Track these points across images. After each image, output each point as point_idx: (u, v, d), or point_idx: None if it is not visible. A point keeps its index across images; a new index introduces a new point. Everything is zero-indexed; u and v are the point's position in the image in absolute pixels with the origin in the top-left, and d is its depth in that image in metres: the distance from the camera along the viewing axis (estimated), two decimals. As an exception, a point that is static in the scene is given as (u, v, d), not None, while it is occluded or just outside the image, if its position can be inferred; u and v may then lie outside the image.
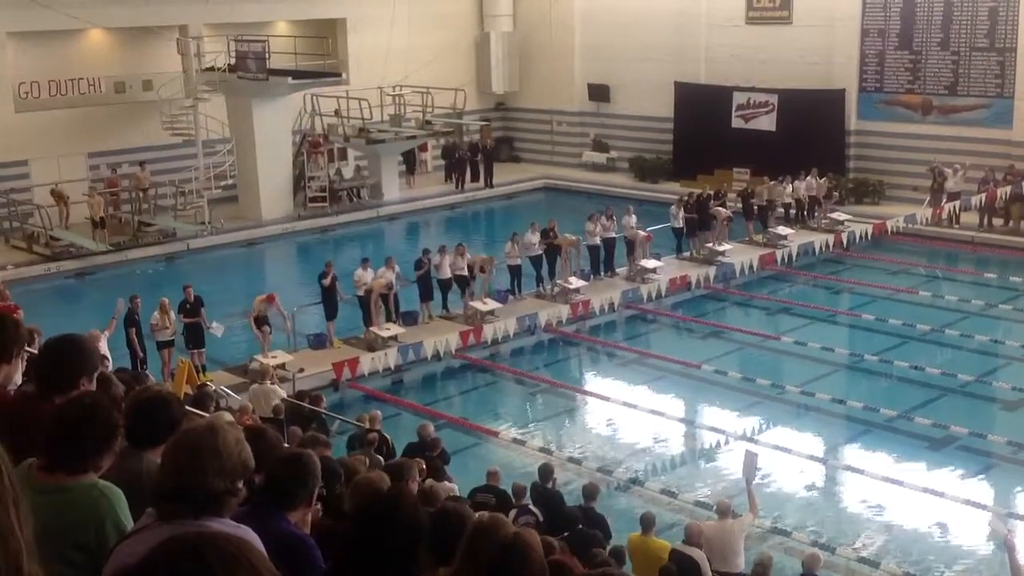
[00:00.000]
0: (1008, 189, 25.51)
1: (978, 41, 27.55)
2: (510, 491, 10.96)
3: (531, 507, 10.51)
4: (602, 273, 23.06)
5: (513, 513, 9.93)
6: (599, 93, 34.78)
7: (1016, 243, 25.13)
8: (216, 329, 17.93)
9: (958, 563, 12.28)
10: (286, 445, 6.29)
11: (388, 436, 12.33)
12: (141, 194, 27.81)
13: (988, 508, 13.50)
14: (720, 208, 24.60)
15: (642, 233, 23.11)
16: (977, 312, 21.04)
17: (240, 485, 3.14)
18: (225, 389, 15.66)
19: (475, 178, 33.29)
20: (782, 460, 14.94)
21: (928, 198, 26.81)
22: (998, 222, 25.99)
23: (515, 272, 21.78)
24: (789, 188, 26.58)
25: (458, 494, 9.84)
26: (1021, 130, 26.68)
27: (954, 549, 12.73)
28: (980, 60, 27.60)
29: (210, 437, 3.06)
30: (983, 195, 25.77)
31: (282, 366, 17.13)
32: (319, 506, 4.61)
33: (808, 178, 26.96)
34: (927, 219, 25.54)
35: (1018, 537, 11.35)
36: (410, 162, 34.07)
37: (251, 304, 18.54)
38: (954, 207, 25.83)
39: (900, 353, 18.76)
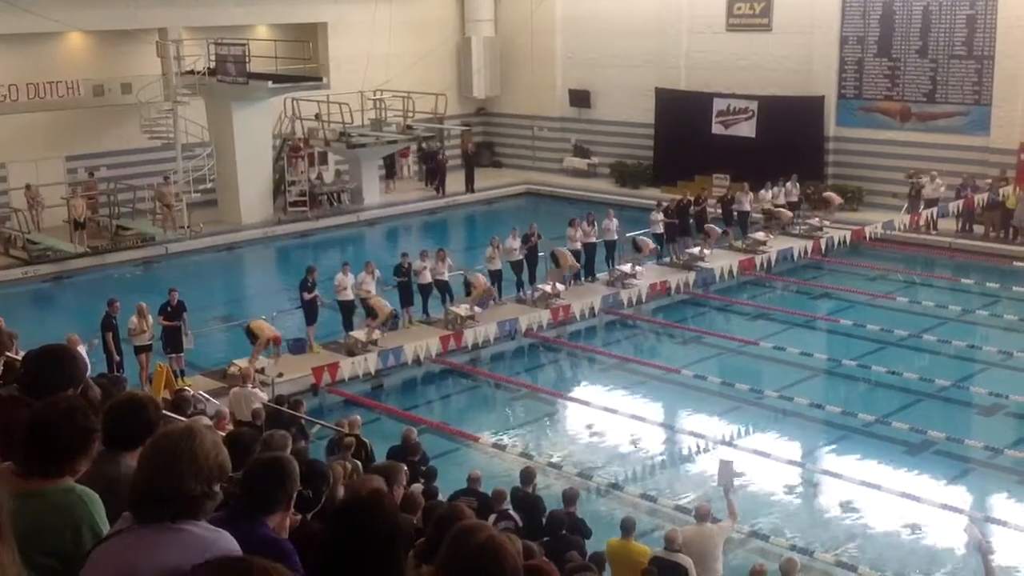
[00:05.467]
0: (986, 196, 25.71)
1: (956, 49, 27.77)
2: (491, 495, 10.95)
3: (511, 512, 10.51)
4: (582, 278, 23.10)
5: (493, 518, 9.92)
6: (580, 99, 34.86)
7: (993, 249, 25.32)
8: (188, 340, 17.87)
9: (935, 567, 12.35)
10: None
11: (367, 441, 12.31)
12: (165, 209, 27.53)
13: (964, 513, 13.59)
14: (713, 227, 24.72)
15: (650, 243, 23.24)
16: (954, 318, 21.19)
17: (217, 488, 3.13)
18: (203, 394, 15.59)
19: (432, 183, 33.21)
20: (760, 465, 15.00)
21: (906, 205, 27.02)
22: (978, 229, 26.17)
23: (495, 277, 21.78)
24: (768, 195, 26.71)
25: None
26: (999, 137, 26.90)
27: (931, 553, 12.80)
28: (958, 68, 27.82)
29: (187, 440, 3.06)
30: (960, 202, 25.96)
31: (261, 371, 17.06)
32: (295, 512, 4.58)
33: (787, 184, 27.10)
34: (905, 225, 25.72)
35: (993, 542, 11.45)
36: (391, 167, 34.04)
37: (231, 310, 18.47)
38: (931, 214, 26.01)
39: (878, 358, 18.88)
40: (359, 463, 9.31)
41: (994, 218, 25.89)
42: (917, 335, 20.04)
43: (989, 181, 26.27)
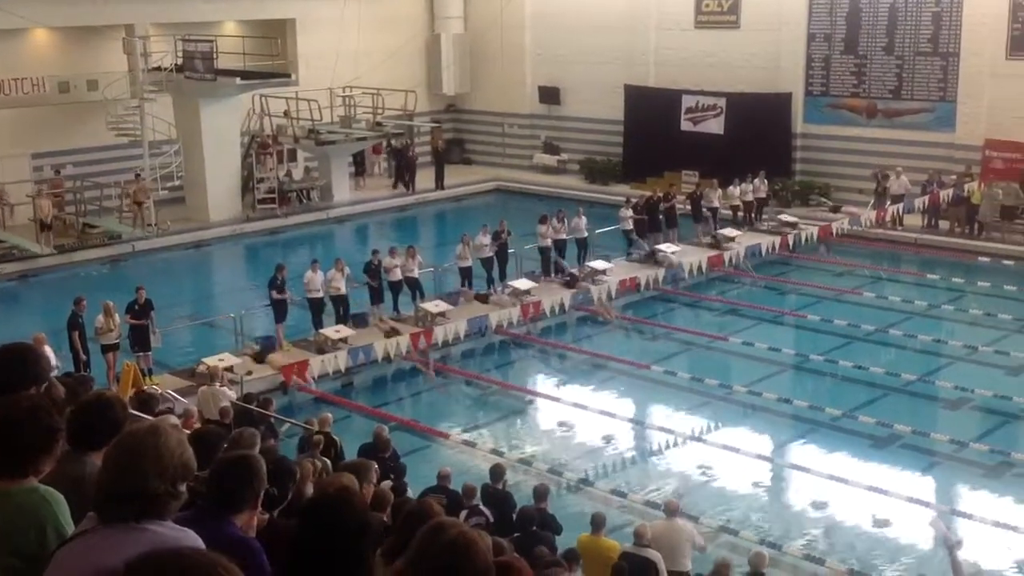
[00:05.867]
0: (951, 192, 25.97)
1: (922, 46, 28.03)
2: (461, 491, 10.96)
3: (481, 507, 10.52)
4: (553, 275, 23.13)
5: (463, 514, 9.93)
6: (550, 96, 34.90)
7: (958, 245, 25.58)
8: (156, 339, 17.76)
9: (902, 560, 12.47)
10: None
11: (337, 438, 12.28)
12: (136, 207, 27.28)
13: (931, 506, 13.75)
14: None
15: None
16: (920, 313, 21.41)
17: (182, 488, 3.11)
18: (171, 393, 15.49)
19: (401, 181, 33.13)
20: (730, 459, 15.10)
21: (872, 201, 27.26)
22: (943, 225, 26.43)
23: (466, 274, 21.79)
24: (737, 191, 26.86)
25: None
26: (964, 133, 27.17)
27: (898, 546, 12.91)
28: (924, 64, 28.09)
29: (151, 438, 3.04)
30: (926, 198, 26.22)
31: (230, 369, 16.97)
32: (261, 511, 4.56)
33: (755, 180, 27.26)
34: (871, 221, 25.94)
35: (959, 536, 11.58)
36: (360, 164, 33.95)
37: (199, 308, 18.37)
38: (897, 209, 26.25)
39: (845, 353, 19.04)
40: (328, 461, 9.28)
41: (959, 214, 26.15)
42: (883, 330, 20.23)
43: (954, 177, 26.54)
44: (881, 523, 13.29)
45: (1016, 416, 16.55)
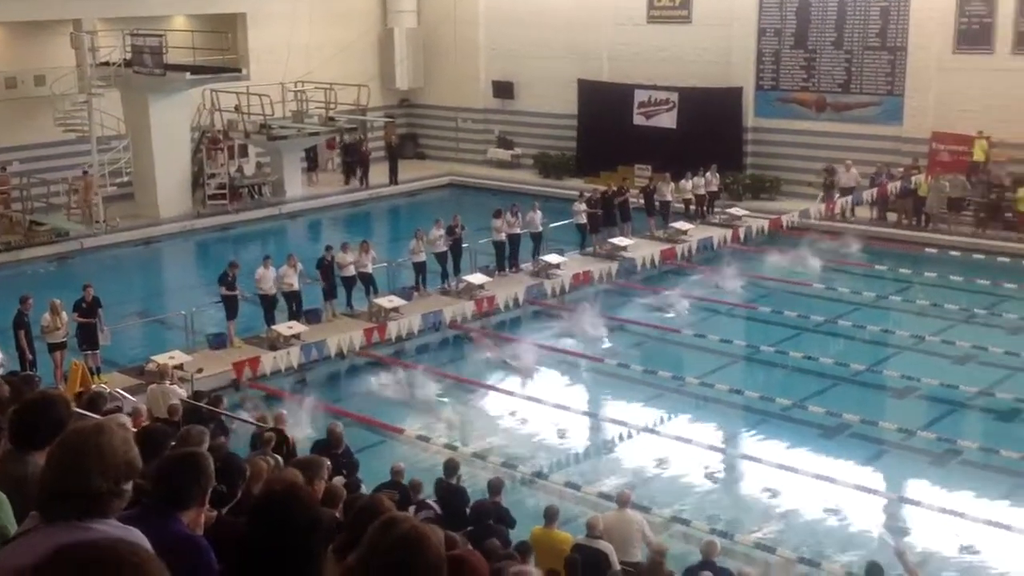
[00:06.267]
0: (899, 184, 26.35)
1: (870, 40, 28.40)
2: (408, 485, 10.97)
3: (429, 501, 10.53)
4: (507, 269, 23.19)
5: (411, 509, 9.94)
6: (503, 90, 34.91)
7: (906, 236, 25.97)
8: (104, 337, 17.57)
9: (851, 548, 12.63)
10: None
11: (289, 435, 12.23)
12: (85, 204, 26.88)
13: (879, 494, 13.99)
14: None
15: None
16: (869, 304, 21.71)
17: (126, 487, 3.10)
18: (120, 391, 15.33)
19: (353, 176, 33.02)
20: (682, 451, 15.25)
21: (821, 194, 27.58)
22: (892, 217, 26.81)
23: (420, 269, 21.77)
24: (689, 184, 27.07)
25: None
26: (911, 127, 27.56)
27: (847, 534, 13.11)
28: (872, 59, 28.45)
29: (95, 437, 3.02)
30: (875, 190, 26.58)
31: (180, 367, 16.83)
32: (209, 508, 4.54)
33: (707, 174, 27.49)
34: (821, 214, 26.26)
35: (908, 544, 11.79)
36: (313, 159, 33.76)
37: (148, 306, 18.18)
38: (846, 202, 26.59)
39: (795, 344, 19.30)
40: (280, 458, 9.25)
41: (906, 206, 26.55)
42: (833, 321, 20.52)
43: (902, 170, 26.93)
44: (831, 511, 13.49)
45: (962, 404, 16.86)
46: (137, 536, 3.08)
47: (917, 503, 13.82)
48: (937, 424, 16.10)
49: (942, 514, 13.28)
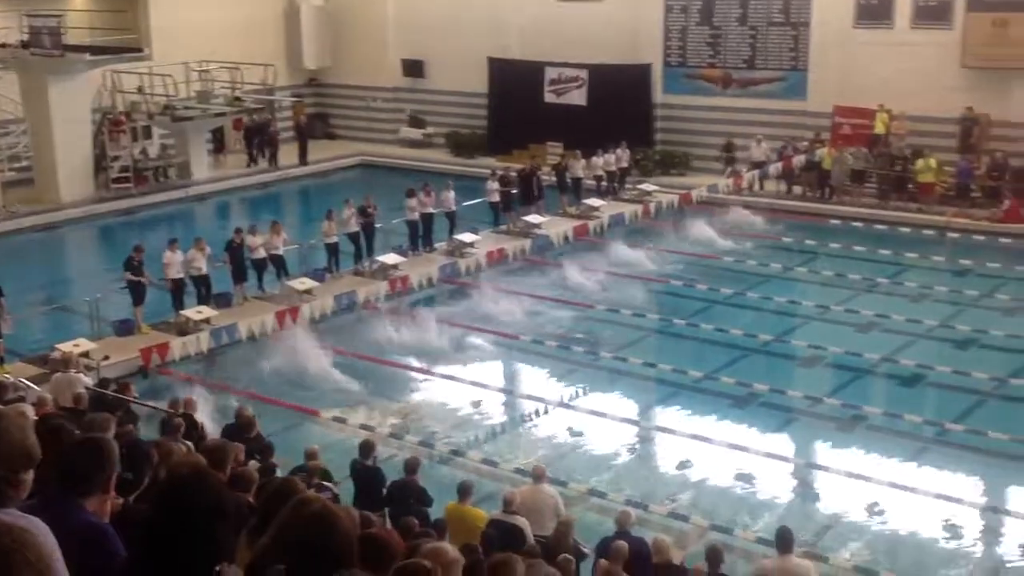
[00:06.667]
0: (803, 158, 26.88)
1: (774, 16, 28.86)
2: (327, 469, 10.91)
3: (325, 484, 10.45)
4: (420, 248, 23.11)
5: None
6: (413, 68, 34.68)
7: (811, 208, 26.53)
8: (6, 325, 17.08)
9: (763, 514, 12.92)
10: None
11: (200, 421, 12.05)
12: None
13: (788, 461, 14.30)
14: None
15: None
16: (776, 275, 22.16)
17: (25, 476, 3.03)
18: (24, 381, 14.93)
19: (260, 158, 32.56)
20: (597, 424, 15.42)
21: (729, 169, 27.99)
22: (797, 189, 27.36)
23: (332, 250, 21.58)
24: (600, 161, 27.25)
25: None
26: (815, 101, 28.11)
27: (759, 501, 13.40)
28: (776, 35, 28.93)
29: (-11, 425, 2.95)
30: (780, 163, 27.08)
31: (86, 354, 16.44)
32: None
33: (617, 150, 27.70)
34: (729, 188, 26.68)
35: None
36: (219, 140, 33.15)
37: (52, 293, 17.71)
38: (755, 175, 27.05)
39: (706, 316, 19.63)
40: (191, 444, 9.11)
41: (811, 179, 27.12)
42: (742, 293, 20.91)
43: (806, 143, 27.48)
44: (743, 479, 13.78)
45: (866, 371, 17.34)
46: (37, 525, 3.02)
47: (825, 468, 14.21)
48: (843, 391, 16.54)
49: (849, 478, 13.66)
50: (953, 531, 12.48)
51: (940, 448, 14.72)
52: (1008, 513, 13.07)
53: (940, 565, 11.83)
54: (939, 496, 13.09)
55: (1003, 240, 23.69)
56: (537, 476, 11.29)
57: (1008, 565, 12.04)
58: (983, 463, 14.19)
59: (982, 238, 23.92)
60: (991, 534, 12.72)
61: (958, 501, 13.06)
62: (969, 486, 13.69)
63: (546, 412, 16.04)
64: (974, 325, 18.79)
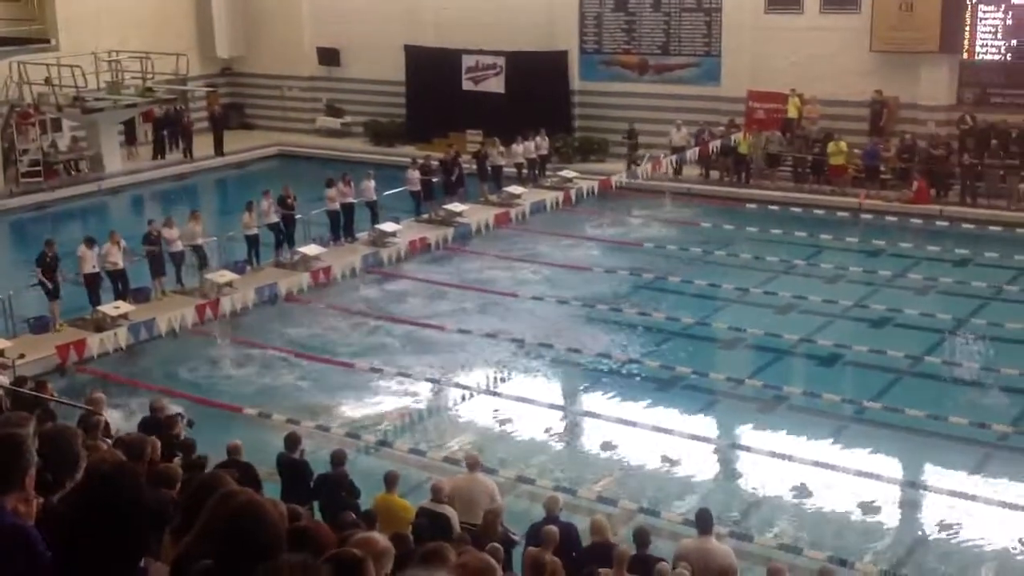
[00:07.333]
0: (719, 143, 27.23)
1: (687, 2, 29.14)
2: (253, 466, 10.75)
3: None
4: (342, 239, 22.91)
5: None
6: (329, 57, 34.30)
7: (728, 193, 26.88)
8: None
9: (689, 496, 13.08)
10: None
11: (104, 417, 11.75)
12: None
13: (712, 442, 14.51)
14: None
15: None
16: (696, 259, 22.43)
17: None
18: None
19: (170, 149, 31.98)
20: (524, 411, 15.47)
21: (648, 154, 28.10)
22: (715, 174, 27.71)
23: (252, 242, 21.28)
24: (520, 148, 27.28)
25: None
26: (729, 86, 28.47)
27: (685, 482, 13.59)
28: (689, 20, 29.21)
29: None
30: (697, 149, 27.39)
31: (1, 353, 15.99)
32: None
33: (537, 138, 27.76)
34: (648, 173, 26.88)
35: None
36: (131, 132, 32.41)
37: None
38: (673, 160, 27.29)
39: (629, 302, 19.80)
40: (109, 441, 8.92)
41: (727, 163, 27.49)
42: (663, 277, 21.13)
43: (722, 128, 27.83)
44: (668, 461, 13.95)
45: (786, 352, 17.67)
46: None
47: (748, 449, 14.45)
48: (763, 372, 16.83)
49: (772, 458, 13.92)
50: (873, 507, 12.78)
51: (859, 426, 15.07)
52: (926, 488, 13.44)
53: (861, 540, 12.10)
54: (859, 473, 13.40)
55: (914, 221, 24.29)
56: (471, 465, 11.29)
57: (930, 539, 12.37)
58: (901, 440, 14.55)
59: (894, 219, 24.49)
60: (910, 509, 13.08)
61: (877, 477, 13.40)
62: (887, 462, 14.04)
63: (472, 400, 16.06)
64: (888, 304, 19.25)
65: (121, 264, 18.93)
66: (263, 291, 19.45)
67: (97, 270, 18.63)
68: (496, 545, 8.65)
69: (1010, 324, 17.94)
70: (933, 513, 12.79)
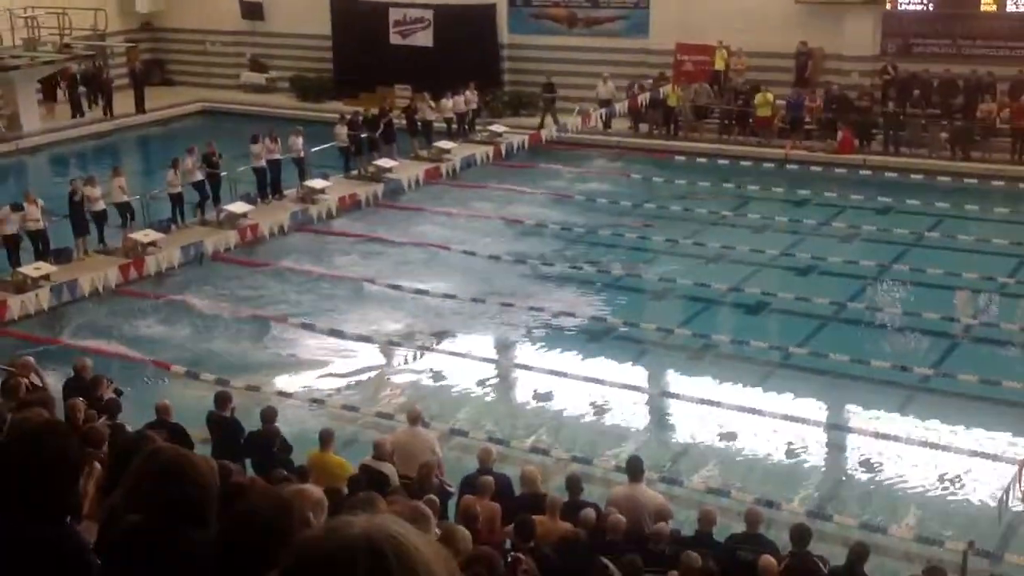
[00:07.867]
0: (648, 96, 27.29)
1: (617, -46, 29.03)
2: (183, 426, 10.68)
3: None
4: (269, 196, 22.60)
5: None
6: (252, 11, 33.60)
7: (658, 145, 27.00)
8: None
9: (621, 444, 13.25)
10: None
11: (40, 382, 11.57)
12: None
13: (642, 391, 14.71)
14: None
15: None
16: (627, 212, 22.55)
17: None
18: None
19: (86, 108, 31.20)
20: (458, 364, 15.53)
21: (577, 108, 28.01)
22: (644, 127, 27.80)
23: (177, 200, 20.91)
24: (450, 103, 27.08)
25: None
26: (657, 39, 28.47)
27: (618, 431, 13.77)
28: (617, -28, 29.13)
29: None
30: (627, 102, 27.43)
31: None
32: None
33: (466, 92, 27.56)
34: (578, 127, 26.89)
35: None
36: (49, 90, 31.51)
37: None
38: (602, 114, 27.32)
39: (559, 255, 19.88)
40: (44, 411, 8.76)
41: (657, 116, 27.58)
42: (593, 230, 21.23)
43: (651, 81, 27.89)
44: (600, 410, 14.11)
45: (715, 301, 17.91)
46: None
47: (678, 396, 14.66)
48: (693, 321, 17.05)
49: (701, 405, 14.15)
50: (799, 450, 13.08)
51: (785, 371, 15.36)
52: (850, 430, 13.78)
53: (788, 483, 12.39)
54: (785, 417, 13.69)
55: (838, 170, 24.65)
56: (412, 419, 11.31)
57: (855, 479, 12.70)
58: (826, 384, 14.88)
59: (819, 169, 24.83)
60: (835, 451, 13.41)
61: (803, 421, 13.71)
62: (813, 406, 14.37)
63: (405, 355, 16.04)
64: (813, 252, 19.58)
65: (42, 224, 18.49)
66: (189, 250, 19.16)
67: (16, 230, 18.19)
68: (432, 497, 8.69)
69: (931, 270, 18.38)
70: (857, 454, 13.13)
